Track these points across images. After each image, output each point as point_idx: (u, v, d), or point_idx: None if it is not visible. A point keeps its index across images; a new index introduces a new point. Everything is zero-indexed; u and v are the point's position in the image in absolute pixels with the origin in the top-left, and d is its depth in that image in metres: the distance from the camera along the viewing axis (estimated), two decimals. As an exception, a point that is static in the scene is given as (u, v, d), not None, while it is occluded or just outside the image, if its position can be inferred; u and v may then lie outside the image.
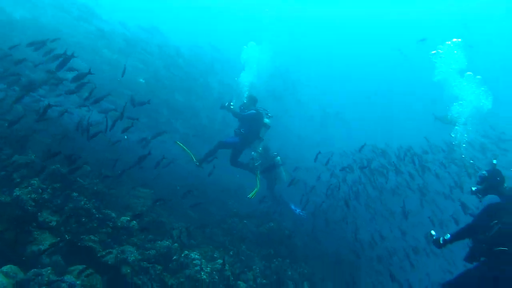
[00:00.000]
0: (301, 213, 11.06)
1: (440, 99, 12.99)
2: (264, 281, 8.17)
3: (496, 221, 4.30)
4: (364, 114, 30.46)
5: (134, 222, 7.65)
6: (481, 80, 11.82)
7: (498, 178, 4.79)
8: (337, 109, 23.24)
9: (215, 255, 8.17)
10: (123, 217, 7.68)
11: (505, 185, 4.80)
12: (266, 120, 9.86)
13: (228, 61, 18.87)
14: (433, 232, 5.14)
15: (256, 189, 9.94)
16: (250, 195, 9.80)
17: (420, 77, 22.66)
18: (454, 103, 12.03)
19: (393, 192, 12.95)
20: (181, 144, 10.29)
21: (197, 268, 7.08)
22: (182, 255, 7.35)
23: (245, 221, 9.93)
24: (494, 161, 4.99)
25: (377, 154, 13.53)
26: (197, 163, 9.93)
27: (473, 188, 5.00)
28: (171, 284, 6.74)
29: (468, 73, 11.88)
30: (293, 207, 11.35)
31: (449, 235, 4.75)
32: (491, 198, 4.78)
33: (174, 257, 7.34)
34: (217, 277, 7.03)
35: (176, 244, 7.81)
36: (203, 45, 20.11)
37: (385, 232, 12.06)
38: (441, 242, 4.83)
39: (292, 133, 19.49)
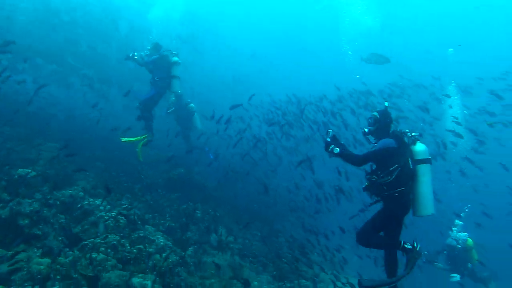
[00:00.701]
0: (211, 156, 11.41)
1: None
2: (173, 224, 8.55)
3: (396, 165, 4.65)
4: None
5: (33, 173, 7.43)
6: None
7: (388, 120, 5.02)
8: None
9: (122, 202, 8.31)
10: (20, 169, 7.40)
11: (392, 128, 5.07)
12: (174, 58, 9.65)
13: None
14: (330, 132, 4.98)
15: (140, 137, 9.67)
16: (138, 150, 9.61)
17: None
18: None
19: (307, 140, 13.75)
20: (128, 139, 9.75)
21: (102, 213, 7.19)
22: (85, 202, 7.36)
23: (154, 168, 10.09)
24: (386, 103, 5.17)
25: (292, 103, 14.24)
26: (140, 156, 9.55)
27: (366, 130, 5.10)
28: (76, 232, 6.80)
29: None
30: (206, 149, 11.63)
31: (338, 150, 4.74)
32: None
33: (78, 205, 7.34)
34: (122, 222, 7.20)
35: (81, 193, 7.79)
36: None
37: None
38: (329, 148, 4.81)
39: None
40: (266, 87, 21.10)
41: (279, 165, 13.52)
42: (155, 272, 6.25)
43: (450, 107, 13.25)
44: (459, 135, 11.62)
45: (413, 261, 4.73)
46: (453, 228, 9.52)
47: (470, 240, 8.66)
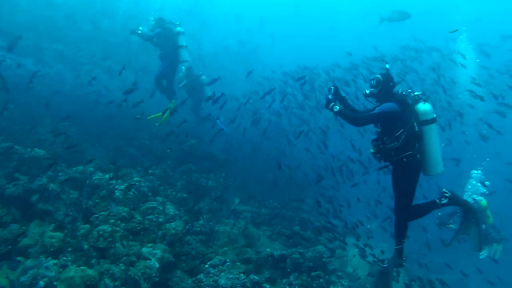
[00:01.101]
0: (225, 129, 11.28)
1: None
2: (185, 195, 8.57)
3: (402, 130, 4.55)
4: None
5: (43, 152, 7.53)
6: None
7: (391, 83, 4.83)
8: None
9: (134, 176, 8.36)
10: (29, 149, 7.49)
11: (395, 90, 4.87)
12: (178, 29, 9.62)
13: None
14: (332, 89, 4.85)
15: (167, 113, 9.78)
16: (157, 123, 9.65)
17: None
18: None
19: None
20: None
21: (111, 187, 7.25)
22: (96, 177, 7.43)
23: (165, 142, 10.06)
24: (387, 66, 5.02)
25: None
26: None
27: (367, 91, 4.96)
28: (86, 207, 6.89)
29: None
30: (219, 122, 11.51)
31: (338, 108, 4.60)
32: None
33: (88, 181, 7.42)
34: (132, 194, 7.25)
35: (91, 169, 7.87)
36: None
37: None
38: (329, 106, 4.67)
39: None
40: (276, 56, 20.66)
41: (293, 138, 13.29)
42: (165, 242, 6.30)
43: (464, 67, 12.49)
44: (480, 97, 11.07)
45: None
46: (471, 181, 9.34)
47: (484, 201, 8.40)
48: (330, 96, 4.73)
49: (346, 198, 11.32)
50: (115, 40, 14.10)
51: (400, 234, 4.90)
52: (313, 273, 6.64)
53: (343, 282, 6.94)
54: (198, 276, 5.76)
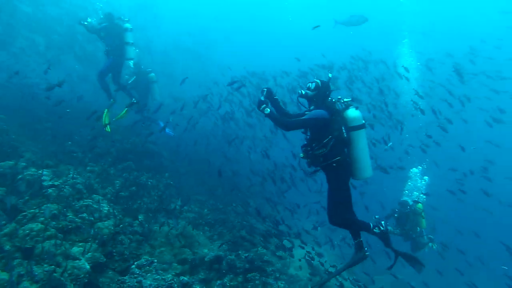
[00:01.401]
0: (169, 132, 11.19)
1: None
2: (123, 193, 8.38)
3: (330, 137, 4.66)
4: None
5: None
6: None
7: (327, 92, 4.92)
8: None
9: (70, 172, 8.05)
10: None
11: (330, 98, 4.99)
12: (126, 25, 9.42)
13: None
14: (264, 91, 4.85)
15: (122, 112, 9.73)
16: (115, 118, 9.59)
17: None
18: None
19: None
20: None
21: (45, 183, 6.94)
22: (28, 173, 7.07)
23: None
24: (330, 75, 5.14)
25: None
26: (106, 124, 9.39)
27: (302, 92, 4.97)
28: (16, 203, 6.55)
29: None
30: (161, 124, 11.39)
31: (269, 111, 4.57)
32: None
33: (19, 176, 7.05)
34: (66, 191, 6.98)
35: (23, 163, 7.49)
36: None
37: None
38: (261, 107, 4.61)
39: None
40: (229, 58, 20.69)
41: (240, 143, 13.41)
42: (97, 241, 6.14)
43: (407, 80, 13.29)
44: (421, 110, 11.79)
45: (388, 239, 5.03)
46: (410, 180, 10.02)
47: (420, 205, 8.94)
48: (262, 98, 4.72)
49: (293, 203, 11.63)
50: (61, 29, 13.47)
51: (353, 230, 4.98)
52: (249, 275, 6.75)
53: (280, 284, 7.08)
54: (123, 277, 5.63)
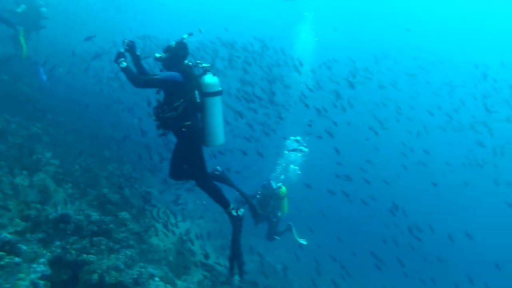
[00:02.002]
0: (42, 76, 10.21)
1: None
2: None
3: (182, 100, 4.58)
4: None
5: None
6: None
7: (181, 52, 4.83)
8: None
9: None
10: None
11: (186, 61, 4.92)
12: None
13: None
14: (125, 42, 4.63)
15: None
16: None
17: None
18: None
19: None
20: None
21: None
22: None
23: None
24: (185, 36, 4.96)
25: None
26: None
27: (157, 55, 4.84)
28: None
29: None
30: (41, 70, 10.34)
31: (125, 65, 4.39)
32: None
33: None
34: None
35: None
36: None
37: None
38: (118, 60, 4.43)
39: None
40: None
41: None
42: None
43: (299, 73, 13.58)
44: (305, 104, 12.28)
45: (239, 227, 5.09)
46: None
47: (284, 188, 9.26)
48: (122, 50, 4.54)
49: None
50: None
51: (218, 199, 5.05)
52: (95, 238, 6.56)
53: (128, 251, 6.96)
54: None
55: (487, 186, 17.55)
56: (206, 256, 9.27)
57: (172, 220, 9.75)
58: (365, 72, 15.56)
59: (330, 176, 13.40)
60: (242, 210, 5.20)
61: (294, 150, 11.98)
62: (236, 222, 5.10)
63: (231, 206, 5.12)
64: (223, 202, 5.10)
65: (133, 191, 9.73)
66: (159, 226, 9.31)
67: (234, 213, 5.09)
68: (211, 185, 5.09)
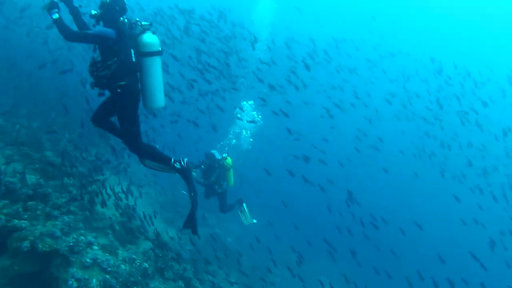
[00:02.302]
0: None
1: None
2: None
3: (115, 59, 4.35)
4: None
5: None
6: None
7: (117, 8, 4.52)
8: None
9: None
10: None
11: (123, 18, 4.58)
12: None
13: None
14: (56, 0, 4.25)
15: None
16: None
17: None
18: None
19: None
20: None
21: None
22: None
23: None
24: None
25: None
26: None
27: (93, 12, 4.51)
28: None
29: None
30: None
31: (57, 16, 4.08)
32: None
33: None
34: None
35: None
36: None
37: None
38: (51, 11, 4.10)
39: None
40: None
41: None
42: None
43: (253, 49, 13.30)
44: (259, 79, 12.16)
45: (189, 178, 4.90)
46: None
47: (229, 159, 9.15)
48: (56, 0, 4.19)
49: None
50: None
51: (155, 157, 4.85)
52: (29, 203, 6.29)
53: (67, 217, 6.72)
54: None
55: (435, 178, 18.05)
56: (155, 228, 9.21)
57: (119, 189, 9.50)
58: (324, 55, 15.55)
59: (286, 154, 13.51)
60: (186, 159, 4.99)
61: (252, 121, 11.86)
62: (184, 173, 4.92)
63: (172, 159, 4.90)
64: (163, 159, 4.90)
65: (81, 158, 9.38)
66: (106, 194, 9.06)
67: (179, 166, 4.89)
68: (143, 146, 4.87)
